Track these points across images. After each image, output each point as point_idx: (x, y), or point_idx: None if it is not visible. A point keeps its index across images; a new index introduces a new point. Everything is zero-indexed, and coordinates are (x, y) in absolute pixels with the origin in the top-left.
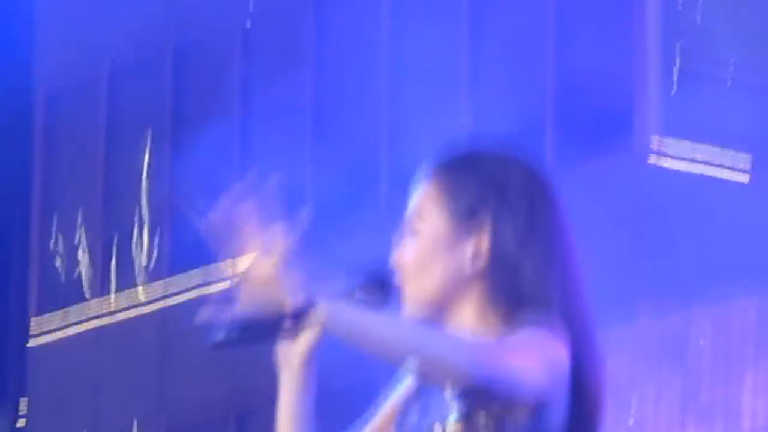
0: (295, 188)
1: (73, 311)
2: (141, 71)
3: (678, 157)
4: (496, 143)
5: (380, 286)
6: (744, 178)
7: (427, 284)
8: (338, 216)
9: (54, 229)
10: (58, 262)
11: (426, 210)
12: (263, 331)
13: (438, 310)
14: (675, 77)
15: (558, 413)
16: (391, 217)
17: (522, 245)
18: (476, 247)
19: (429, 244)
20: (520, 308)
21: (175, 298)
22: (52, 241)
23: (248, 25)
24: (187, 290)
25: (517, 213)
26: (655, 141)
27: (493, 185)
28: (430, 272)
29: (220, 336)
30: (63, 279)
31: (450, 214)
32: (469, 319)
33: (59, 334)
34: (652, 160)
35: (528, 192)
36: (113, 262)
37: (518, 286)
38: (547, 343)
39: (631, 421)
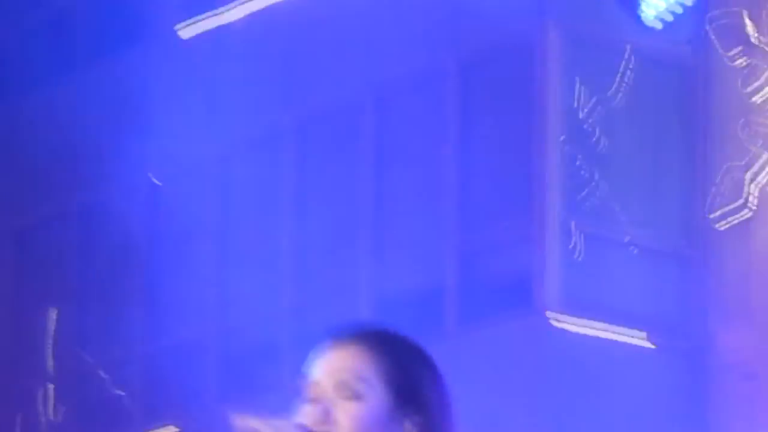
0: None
1: None
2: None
3: (577, 324)
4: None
5: None
6: (647, 344)
7: None
8: None
9: None
10: None
11: (367, 377)
12: None
13: None
14: (576, 243)
15: None
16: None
17: (444, 428)
18: (409, 428)
19: (374, 415)
20: None
21: None
22: None
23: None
24: None
25: (448, 405)
26: (552, 316)
27: (433, 373)
28: None
29: None
30: None
31: (395, 390)
32: None
33: None
34: (553, 323)
35: (442, 386)
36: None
37: None
38: None
39: None
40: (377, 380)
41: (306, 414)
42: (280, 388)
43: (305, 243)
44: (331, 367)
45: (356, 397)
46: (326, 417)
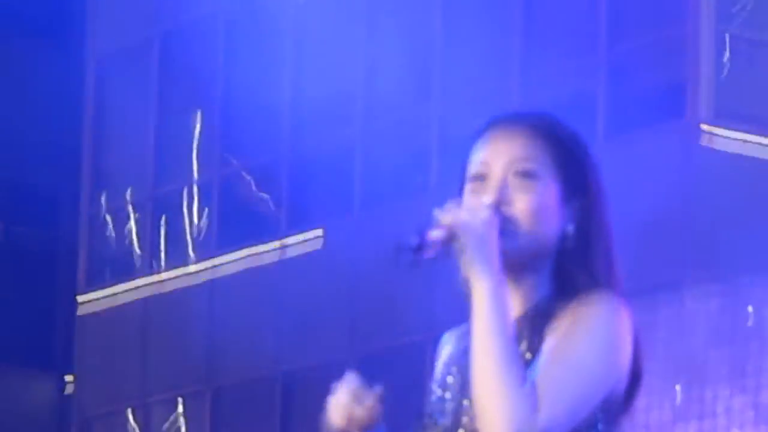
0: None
1: (123, 280)
2: (192, 37)
3: (730, 138)
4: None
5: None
6: None
7: (540, 235)
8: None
9: (104, 197)
10: (108, 231)
11: (540, 158)
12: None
13: (529, 262)
14: (727, 58)
15: (622, 385)
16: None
17: (607, 222)
18: (576, 213)
19: (548, 195)
20: (594, 284)
21: (224, 268)
22: (103, 209)
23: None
24: (237, 261)
25: (603, 192)
26: (705, 127)
27: (593, 161)
28: (543, 224)
29: (412, 240)
30: (114, 247)
31: (565, 176)
32: (543, 278)
33: (108, 303)
34: (704, 141)
35: (600, 173)
36: (163, 231)
37: (597, 259)
38: (621, 322)
39: (678, 400)
40: (550, 164)
41: (477, 192)
42: (425, 194)
43: (454, 50)
44: (503, 149)
45: (531, 176)
46: (502, 195)
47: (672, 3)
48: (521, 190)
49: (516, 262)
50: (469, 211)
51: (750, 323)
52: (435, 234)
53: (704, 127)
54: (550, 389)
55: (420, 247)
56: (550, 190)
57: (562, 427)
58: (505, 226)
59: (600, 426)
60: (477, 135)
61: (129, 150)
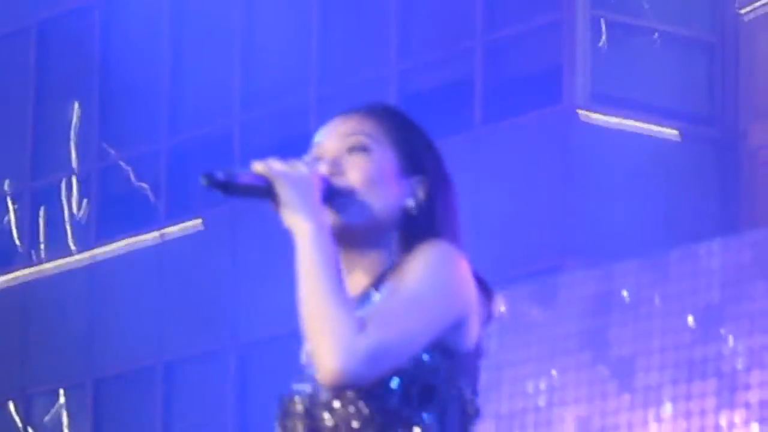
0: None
1: (2, 273)
2: (70, 26)
3: (608, 111)
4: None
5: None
6: (674, 132)
7: (376, 205)
8: None
9: None
10: None
11: (374, 138)
12: (255, 182)
13: (367, 233)
14: (603, 31)
15: (473, 329)
16: None
17: (450, 202)
18: (415, 189)
19: (381, 167)
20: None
21: (104, 248)
22: None
23: None
24: (117, 240)
25: (446, 174)
26: (581, 110)
27: (431, 144)
28: (379, 194)
29: (219, 175)
30: None
31: (401, 151)
32: (386, 250)
33: None
34: (582, 112)
35: (441, 157)
36: (42, 222)
37: (440, 233)
38: (456, 260)
39: (554, 373)
40: (382, 138)
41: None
42: None
43: (332, 36)
44: (338, 129)
45: (362, 149)
46: (336, 167)
47: None
48: (354, 162)
49: (356, 235)
50: (287, 165)
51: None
52: (244, 177)
53: (581, 112)
54: (379, 315)
55: (226, 185)
56: (386, 161)
57: (392, 353)
58: (338, 197)
59: (426, 357)
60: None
61: (6, 141)
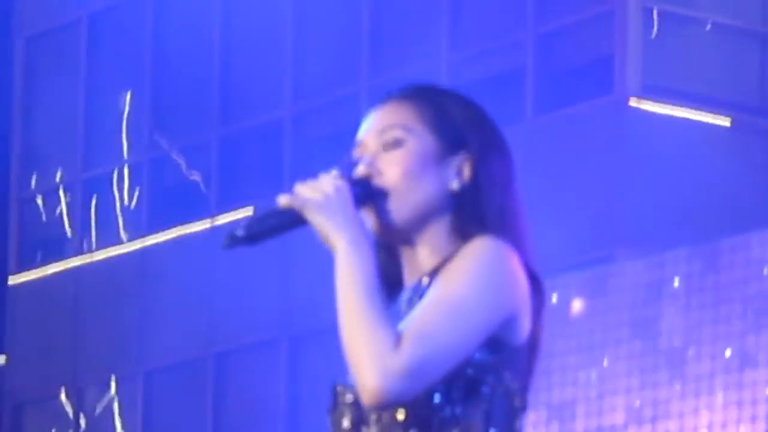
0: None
1: (54, 261)
2: (121, 17)
3: (659, 101)
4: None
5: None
6: (725, 122)
7: (419, 197)
8: None
9: (34, 179)
10: (39, 213)
11: (409, 125)
12: (281, 219)
13: (417, 226)
14: (655, 21)
15: (524, 323)
16: None
17: (498, 175)
18: (459, 168)
19: (417, 157)
20: (485, 232)
21: (155, 237)
22: (33, 180)
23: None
24: (168, 229)
25: (496, 144)
26: (633, 99)
27: (476, 114)
28: (420, 186)
29: (239, 232)
30: (44, 218)
31: (438, 132)
32: (441, 239)
33: (40, 284)
34: (633, 102)
35: (496, 128)
36: (93, 212)
37: (488, 211)
38: (503, 259)
39: (605, 363)
40: (419, 124)
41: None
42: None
43: (381, 27)
44: (373, 124)
45: (396, 144)
46: (371, 168)
47: None
48: (389, 160)
49: (404, 233)
50: (311, 186)
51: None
52: (270, 219)
53: (632, 102)
54: (417, 327)
55: (252, 236)
56: (423, 149)
57: (432, 367)
58: (376, 199)
59: (470, 371)
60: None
61: (58, 131)
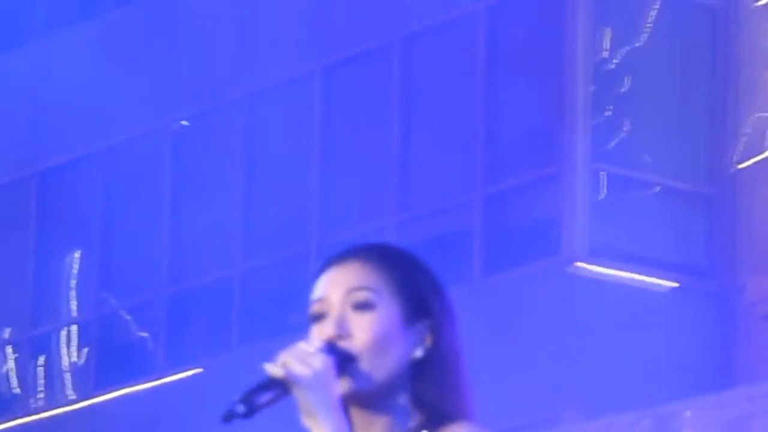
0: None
1: (1, 407)
2: (71, 176)
3: (606, 263)
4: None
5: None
6: (673, 284)
7: (387, 364)
8: None
9: None
10: None
11: (375, 287)
12: (276, 392)
13: (382, 393)
14: (603, 184)
15: None
16: None
17: (455, 340)
18: (422, 335)
19: (388, 323)
20: (447, 402)
21: (103, 395)
22: None
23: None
24: (116, 388)
25: (449, 308)
26: (579, 263)
27: (435, 280)
28: (388, 353)
29: (240, 408)
30: None
31: (403, 298)
32: (400, 407)
33: None
34: (580, 264)
35: (447, 292)
36: (42, 360)
37: (448, 379)
38: None
39: None
40: (385, 290)
41: (321, 331)
42: (305, 331)
43: (331, 188)
44: (338, 281)
45: (367, 306)
46: (341, 329)
47: (548, 140)
48: (360, 323)
49: (368, 399)
50: (300, 362)
51: None
52: (264, 396)
53: (579, 264)
54: None
55: (248, 413)
56: (390, 317)
57: None
58: (347, 364)
59: None
60: (316, 276)
61: (7, 289)
